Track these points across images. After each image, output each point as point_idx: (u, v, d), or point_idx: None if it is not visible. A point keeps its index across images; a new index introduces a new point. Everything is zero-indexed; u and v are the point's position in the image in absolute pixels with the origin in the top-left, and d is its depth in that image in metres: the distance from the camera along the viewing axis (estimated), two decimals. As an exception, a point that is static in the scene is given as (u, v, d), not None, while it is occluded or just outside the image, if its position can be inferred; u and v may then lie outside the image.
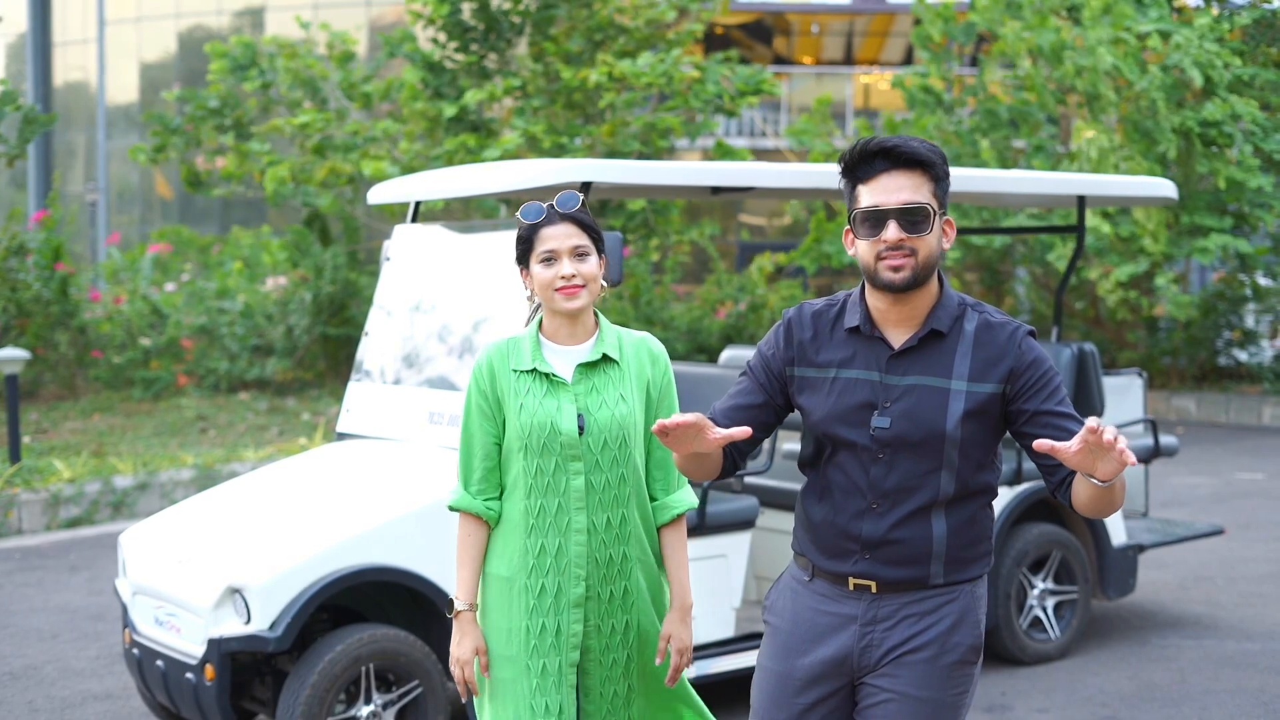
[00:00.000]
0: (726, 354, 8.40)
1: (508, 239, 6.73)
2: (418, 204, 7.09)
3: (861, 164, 3.28)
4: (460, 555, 3.86)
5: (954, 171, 7.55)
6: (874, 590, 3.34)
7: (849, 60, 38.22)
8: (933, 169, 3.25)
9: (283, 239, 18.20)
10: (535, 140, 14.28)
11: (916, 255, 3.22)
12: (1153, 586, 8.89)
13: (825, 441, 3.38)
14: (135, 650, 5.92)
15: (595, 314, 3.85)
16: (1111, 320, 19.40)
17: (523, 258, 3.80)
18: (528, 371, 3.77)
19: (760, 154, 26.77)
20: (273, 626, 5.36)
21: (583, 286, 3.72)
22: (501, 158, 13.78)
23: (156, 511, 11.44)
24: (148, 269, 18.69)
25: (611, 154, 14.84)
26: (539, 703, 3.74)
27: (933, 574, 3.32)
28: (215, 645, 5.41)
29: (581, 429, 3.73)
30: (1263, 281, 18.92)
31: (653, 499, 3.89)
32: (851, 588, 3.37)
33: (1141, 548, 7.79)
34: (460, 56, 16.12)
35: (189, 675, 5.53)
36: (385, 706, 5.62)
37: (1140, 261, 17.05)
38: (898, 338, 3.31)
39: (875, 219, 3.23)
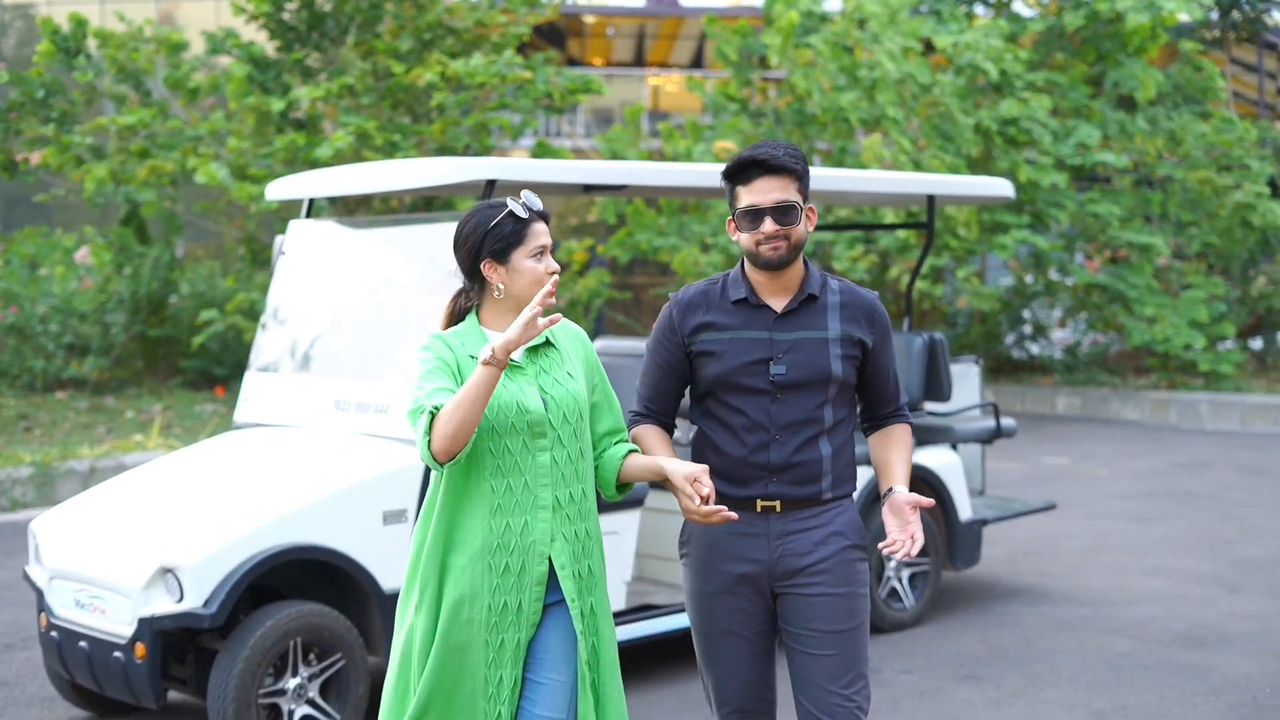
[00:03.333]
0: (598, 344, 8.74)
1: (401, 234, 7.02)
2: (311, 200, 7.32)
3: (740, 172, 4.05)
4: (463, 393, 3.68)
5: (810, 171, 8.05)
6: (779, 509, 4.07)
7: (639, 62, 38.87)
8: (795, 171, 4.02)
9: (105, 241, 17.90)
10: (367, 137, 14.42)
11: (789, 239, 4.01)
12: (987, 561, 9.49)
13: (724, 391, 4.09)
14: (54, 634, 6.04)
15: None
16: (915, 315, 20.20)
17: (503, 252, 3.86)
18: None
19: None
20: (207, 604, 5.56)
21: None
22: (333, 157, 13.88)
23: None
24: None
25: (442, 152, 15.05)
26: (493, 675, 3.79)
27: (824, 489, 4.08)
28: (146, 624, 5.59)
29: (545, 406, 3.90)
30: (1055, 276, 19.89)
31: (615, 448, 4.04)
32: (759, 509, 4.07)
33: (985, 522, 8.38)
34: (283, 55, 16.14)
35: (117, 654, 5.69)
36: (310, 679, 5.85)
37: (942, 255, 17.82)
38: (777, 304, 4.09)
39: (754, 215, 4.01)
